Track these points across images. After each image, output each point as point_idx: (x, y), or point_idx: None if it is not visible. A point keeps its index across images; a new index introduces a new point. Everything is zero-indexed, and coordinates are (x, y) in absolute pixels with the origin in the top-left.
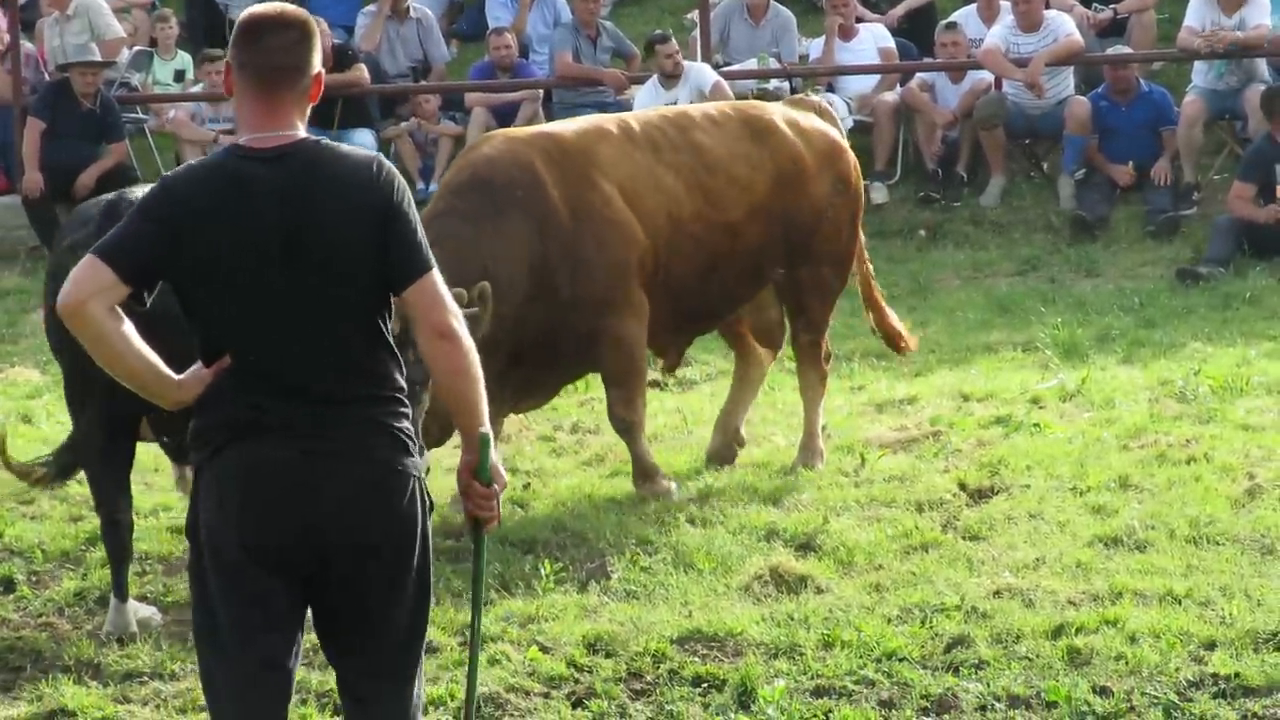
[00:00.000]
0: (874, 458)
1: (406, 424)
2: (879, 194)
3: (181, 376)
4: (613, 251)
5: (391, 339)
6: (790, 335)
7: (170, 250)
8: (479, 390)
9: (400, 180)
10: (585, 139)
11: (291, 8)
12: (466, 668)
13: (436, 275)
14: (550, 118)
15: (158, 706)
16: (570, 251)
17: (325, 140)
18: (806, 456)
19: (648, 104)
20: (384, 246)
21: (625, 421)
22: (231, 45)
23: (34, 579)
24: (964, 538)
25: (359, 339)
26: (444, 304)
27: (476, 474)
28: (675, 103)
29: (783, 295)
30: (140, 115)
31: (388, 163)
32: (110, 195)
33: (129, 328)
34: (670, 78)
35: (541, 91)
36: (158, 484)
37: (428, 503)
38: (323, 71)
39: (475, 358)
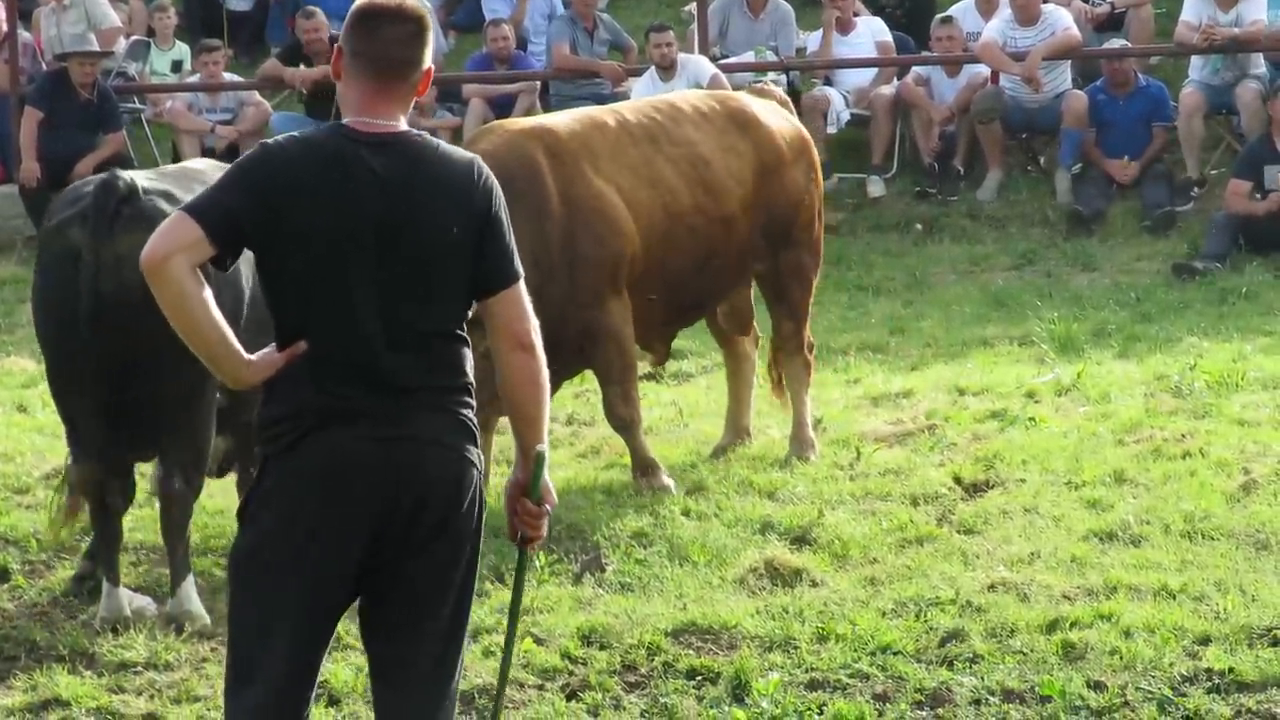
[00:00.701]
0: (869, 451)
1: (472, 414)
2: (876, 188)
3: (252, 357)
4: (606, 246)
5: (465, 332)
6: (773, 325)
7: (261, 217)
8: (545, 405)
9: (498, 186)
10: (583, 132)
11: (410, 1)
12: (496, 685)
13: (523, 286)
14: (547, 109)
15: (152, 696)
16: (568, 245)
17: (428, 136)
18: (798, 447)
19: (645, 96)
20: (478, 250)
21: (624, 419)
22: (345, 31)
23: (29, 568)
24: (959, 532)
25: (440, 332)
26: (527, 316)
27: (527, 492)
28: None
29: (765, 285)
30: (137, 105)
31: (486, 167)
32: (104, 174)
33: (209, 295)
34: (666, 70)
35: (538, 83)
36: (150, 472)
37: (484, 500)
38: (432, 67)
39: (547, 372)
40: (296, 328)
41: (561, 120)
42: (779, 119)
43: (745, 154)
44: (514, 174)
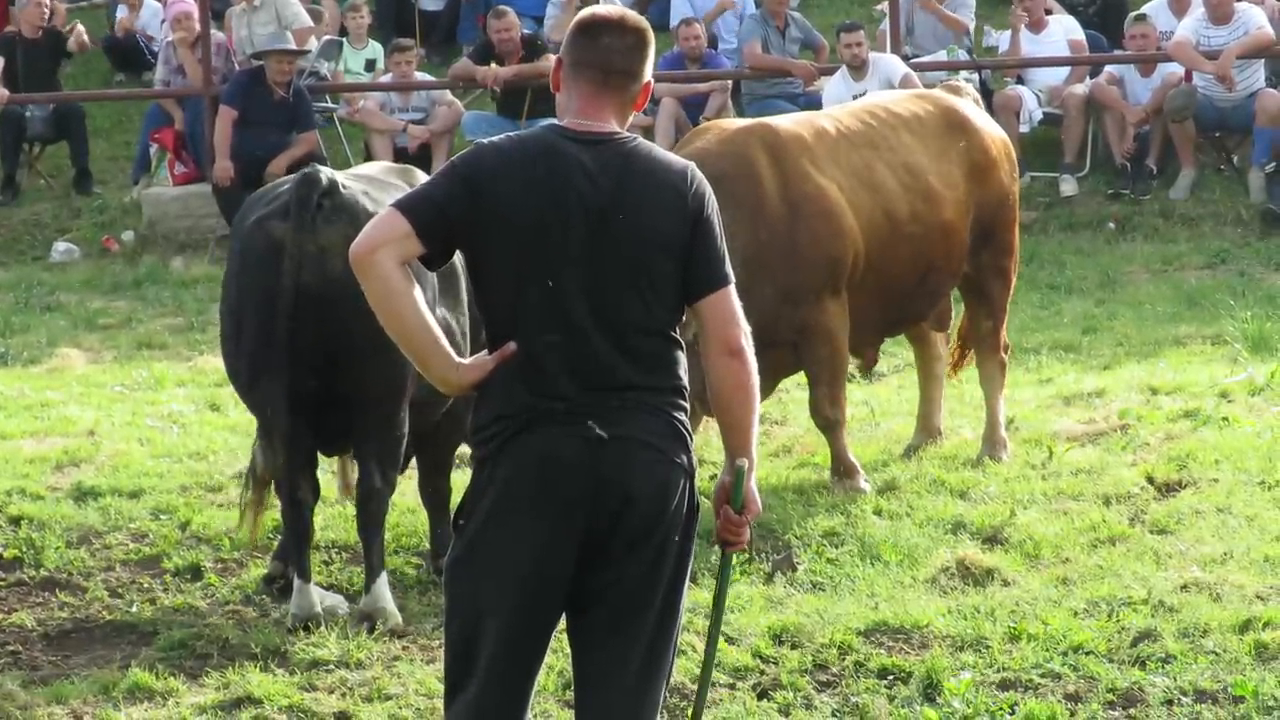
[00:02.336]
0: (1061, 451)
1: (685, 417)
2: (1068, 186)
3: (463, 360)
4: (826, 245)
5: (679, 336)
6: (970, 324)
7: (468, 205)
8: (753, 412)
9: (711, 192)
10: (804, 133)
11: (632, 14)
12: (696, 688)
13: (733, 291)
14: (739, 108)
15: (343, 695)
16: (785, 242)
17: (641, 139)
18: (990, 448)
19: (836, 95)
20: (687, 251)
21: (829, 420)
22: (566, 41)
23: (221, 566)
24: (1151, 531)
25: (652, 331)
26: (737, 320)
27: (730, 499)
28: (864, 94)
29: (966, 285)
30: (330, 105)
31: (699, 172)
32: (304, 169)
33: (419, 293)
34: (857, 69)
35: (730, 82)
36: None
37: (695, 505)
38: (651, 81)
39: (757, 380)
40: (506, 327)
41: (782, 120)
42: (985, 119)
43: (959, 158)
44: (729, 171)
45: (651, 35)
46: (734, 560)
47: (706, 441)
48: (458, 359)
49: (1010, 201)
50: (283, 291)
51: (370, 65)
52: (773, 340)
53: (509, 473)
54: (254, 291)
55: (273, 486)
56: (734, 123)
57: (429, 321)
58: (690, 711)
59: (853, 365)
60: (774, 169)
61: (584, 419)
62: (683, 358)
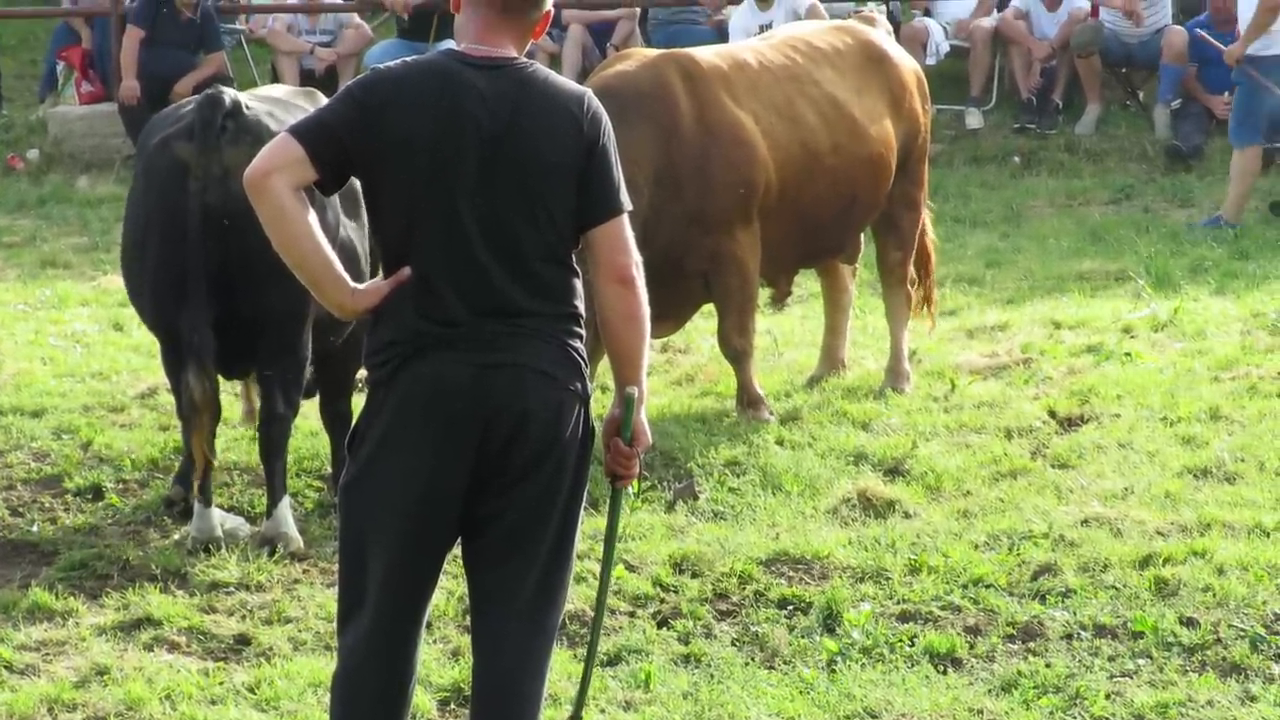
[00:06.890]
0: (964, 384)
1: (581, 345)
2: (974, 120)
3: (358, 285)
4: (738, 172)
5: (574, 262)
6: (879, 255)
7: (362, 129)
8: (644, 342)
9: (607, 119)
10: (723, 64)
11: None
12: (590, 622)
13: (626, 220)
14: (646, 36)
15: (243, 617)
16: (697, 166)
17: (539, 65)
18: (893, 380)
19: (743, 25)
20: (583, 179)
21: (738, 350)
22: None
23: (122, 487)
24: (1053, 466)
25: (547, 258)
26: (628, 249)
27: (619, 431)
28: (770, 24)
29: (878, 216)
30: (237, 26)
31: (596, 99)
32: (208, 90)
33: (313, 218)
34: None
35: (638, 10)
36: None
37: (590, 429)
38: (552, 10)
39: (647, 310)
40: (401, 252)
41: (704, 51)
42: (900, 52)
43: (880, 91)
44: (646, 92)
45: None
46: (625, 494)
47: (609, 369)
48: (352, 284)
49: (923, 133)
50: (189, 213)
51: None
52: (684, 270)
53: (400, 398)
54: (159, 212)
55: (193, 407)
56: (656, 51)
57: (323, 246)
58: (588, 644)
59: (764, 295)
60: (690, 95)
61: (473, 345)
62: (579, 285)
